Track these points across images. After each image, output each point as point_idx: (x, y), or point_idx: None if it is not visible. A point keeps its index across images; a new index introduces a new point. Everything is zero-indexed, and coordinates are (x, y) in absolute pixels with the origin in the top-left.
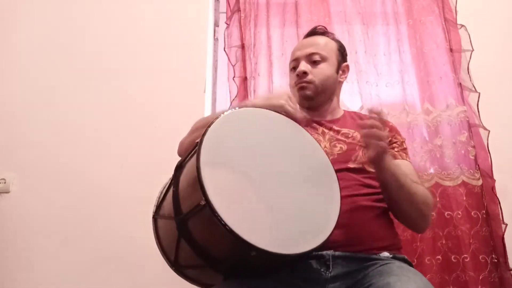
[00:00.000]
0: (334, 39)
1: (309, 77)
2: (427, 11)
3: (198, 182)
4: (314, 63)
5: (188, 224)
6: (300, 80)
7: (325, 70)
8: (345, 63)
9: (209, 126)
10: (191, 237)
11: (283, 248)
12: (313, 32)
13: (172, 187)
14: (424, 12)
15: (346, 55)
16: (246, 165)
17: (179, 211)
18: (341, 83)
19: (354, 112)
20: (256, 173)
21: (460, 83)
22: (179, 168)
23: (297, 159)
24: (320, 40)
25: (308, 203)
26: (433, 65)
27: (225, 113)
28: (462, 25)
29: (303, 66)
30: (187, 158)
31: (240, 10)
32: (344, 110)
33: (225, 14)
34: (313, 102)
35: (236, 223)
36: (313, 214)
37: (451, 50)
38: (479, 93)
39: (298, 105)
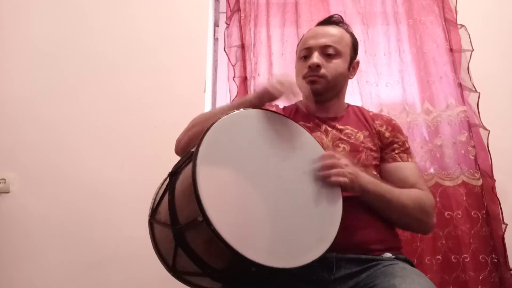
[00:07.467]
0: (348, 31)
1: (322, 71)
2: (427, 11)
3: (194, 195)
4: (328, 56)
5: (186, 235)
6: (311, 73)
7: (339, 66)
8: (356, 60)
9: (204, 134)
10: (189, 248)
11: (285, 261)
12: (328, 21)
13: (168, 194)
14: (424, 12)
15: (358, 50)
16: (245, 174)
17: (176, 221)
18: (349, 79)
19: (358, 107)
20: (255, 182)
21: (460, 83)
22: (174, 174)
23: (298, 163)
24: (336, 31)
25: (310, 211)
26: (433, 65)
27: (220, 119)
28: (462, 25)
29: (317, 58)
30: (183, 165)
31: (240, 10)
32: (348, 105)
33: (225, 14)
34: (321, 97)
35: (235, 239)
36: (315, 222)
37: (451, 50)
38: (479, 93)
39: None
